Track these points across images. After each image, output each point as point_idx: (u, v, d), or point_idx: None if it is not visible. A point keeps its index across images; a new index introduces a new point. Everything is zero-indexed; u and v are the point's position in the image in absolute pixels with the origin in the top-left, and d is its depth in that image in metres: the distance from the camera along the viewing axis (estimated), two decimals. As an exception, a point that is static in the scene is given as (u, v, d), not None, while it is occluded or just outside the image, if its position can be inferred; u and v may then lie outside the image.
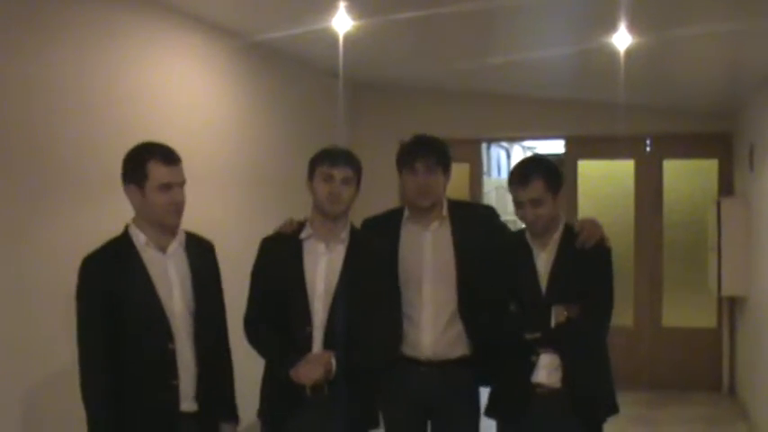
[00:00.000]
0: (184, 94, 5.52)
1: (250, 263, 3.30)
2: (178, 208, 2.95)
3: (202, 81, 5.78)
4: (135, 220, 2.98)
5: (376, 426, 3.37)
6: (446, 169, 3.54)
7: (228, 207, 5.85)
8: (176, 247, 3.00)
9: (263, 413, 3.26)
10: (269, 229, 3.39)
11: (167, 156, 2.94)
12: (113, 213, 4.47)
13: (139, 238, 2.94)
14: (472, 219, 3.63)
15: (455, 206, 3.63)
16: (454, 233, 3.52)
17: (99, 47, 4.63)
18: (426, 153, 3.48)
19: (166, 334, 2.90)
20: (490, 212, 3.81)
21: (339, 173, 3.19)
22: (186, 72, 5.57)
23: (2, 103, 3.99)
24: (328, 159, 3.22)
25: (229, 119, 6.10)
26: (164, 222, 2.95)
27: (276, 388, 3.20)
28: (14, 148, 4.05)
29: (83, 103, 4.49)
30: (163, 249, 2.97)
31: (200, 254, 3.08)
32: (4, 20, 3.98)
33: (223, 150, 5.89)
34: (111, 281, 2.87)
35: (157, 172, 2.89)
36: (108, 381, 2.84)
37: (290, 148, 6.77)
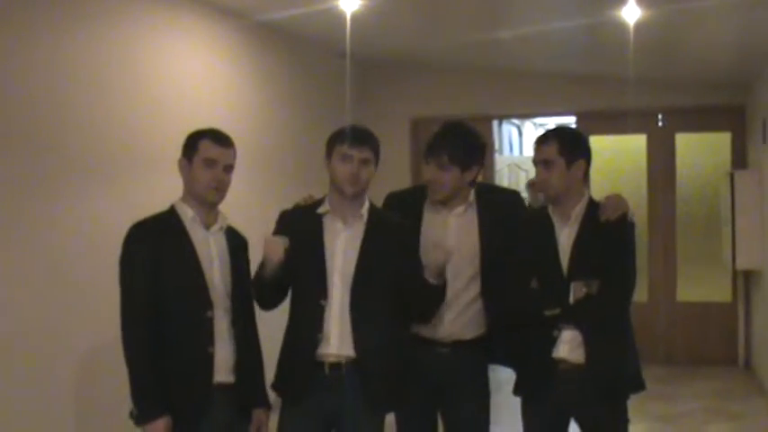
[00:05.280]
0: (192, 75, 5.51)
1: (258, 244, 3.31)
2: (219, 186, 3.09)
3: (209, 62, 5.77)
4: (183, 198, 3.14)
5: (399, 408, 3.36)
6: (466, 166, 3.42)
7: (238, 188, 5.83)
8: (218, 228, 3.14)
9: (280, 388, 3.26)
10: (277, 210, 3.38)
11: (218, 137, 3.13)
12: (132, 195, 4.61)
13: (187, 213, 3.09)
14: (499, 204, 3.58)
15: (483, 190, 3.57)
16: (481, 219, 3.48)
17: (110, 32, 4.67)
18: (439, 152, 3.39)
19: (206, 302, 3.03)
20: (516, 198, 3.78)
21: (358, 153, 3.15)
22: (194, 54, 5.56)
23: (18, 89, 4.02)
24: (348, 139, 3.18)
25: (237, 100, 6.09)
26: (204, 197, 3.09)
27: (294, 366, 3.20)
28: (30, 134, 4.09)
29: (89, 88, 4.51)
30: (207, 227, 3.12)
31: (236, 243, 3.21)
32: (23, 9, 4.02)
33: (231, 131, 5.85)
34: (157, 248, 3.01)
35: (205, 148, 3.08)
36: (150, 342, 2.96)
37: (298, 129, 6.77)
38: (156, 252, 3.00)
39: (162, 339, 2.98)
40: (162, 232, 3.05)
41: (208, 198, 3.09)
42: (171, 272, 3.00)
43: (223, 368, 3.07)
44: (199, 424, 3.01)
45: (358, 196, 3.21)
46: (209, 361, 3.02)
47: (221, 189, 3.10)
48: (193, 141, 3.10)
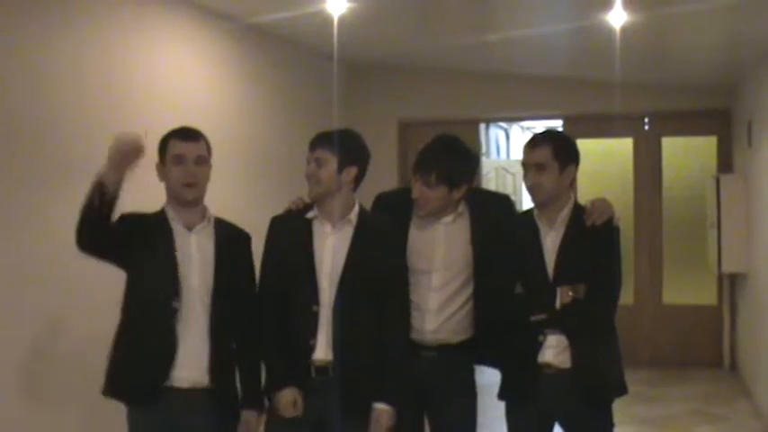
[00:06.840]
0: (178, 78, 5.50)
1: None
2: (190, 182, 3.10)
3: (197, 65, 5.75)
4: (167, 199, 3.18)
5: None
6: (455, 185, 3.37)
7: (223, 191, 5.80)
8: (203, 227, 3.15)
9: (267, 391, 3.26)
10: (264, 214, 3.38)
11: (183, 132, 3.16)
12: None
13: (170, 213, 3.14)
14: (489, 209, 3.55)
15: (473, 195, 3.52)
16: (473, 226, 3.45)
17: (97, 33, 4.65)
18: (427, 170, 3.34)
19: (171, 292, 3.04)
20: (507, 202, 3.74)
21: (312, 155, 3.20)
22: (180, 56, 5.54)
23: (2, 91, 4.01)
24: (310, 143, 3.25)
25: (224, 103, 6.08)
26: (179, 195, 3.11)
27: (281, 369, 3.20)
28: (10, 134, 4.06)
29: (77, 89, 4.48)
30: (189, 228, 3.13)
31: (231, 240, 3.21)
32: (5, 9, 4.00)
33: (217, 134, 5.74)
34: (142, 237, 3.06)
35: (172, 146, 3.12)
36: (123, 330, 3.11)
37: (286, 131, 6.76)
38: (140, 241, 3.06)
39: (131, 328, 3.07)
40: (148, 227, 3.10)
41: (183, 196, 3.10)
42: (148, 262, 3.05)
43: (196, 367, 3.06)
44: (151, 411, 3.03)
45: (324, 197, 3.21)
46: (169, 349, 3.03)
47: (195, 184, 3.11)
48: (163, 143, 3.14)
